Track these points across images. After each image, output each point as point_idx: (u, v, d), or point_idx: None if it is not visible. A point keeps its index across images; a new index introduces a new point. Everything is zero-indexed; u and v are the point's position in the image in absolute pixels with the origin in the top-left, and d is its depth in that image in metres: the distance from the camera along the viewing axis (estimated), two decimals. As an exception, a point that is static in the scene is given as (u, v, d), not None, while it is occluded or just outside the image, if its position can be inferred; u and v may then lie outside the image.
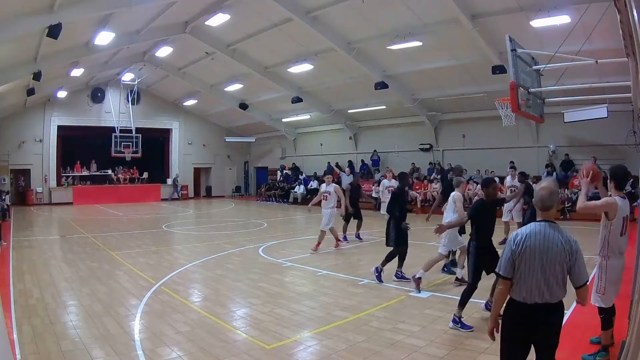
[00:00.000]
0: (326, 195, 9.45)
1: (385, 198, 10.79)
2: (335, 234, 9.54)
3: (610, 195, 3.87)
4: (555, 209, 2.59)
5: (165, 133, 26.96)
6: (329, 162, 23.18)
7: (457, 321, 4.67)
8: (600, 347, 3.81)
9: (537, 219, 2.58)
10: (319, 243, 9.25)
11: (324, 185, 9.74)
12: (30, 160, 22.40)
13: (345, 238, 10.45)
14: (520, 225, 8.33)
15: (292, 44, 15.68)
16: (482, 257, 4.75)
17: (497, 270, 2.60)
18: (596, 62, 7.59)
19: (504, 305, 2.67)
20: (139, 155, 23.90)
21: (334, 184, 9.64)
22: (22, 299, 5.82)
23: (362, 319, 5.04)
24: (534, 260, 2.46)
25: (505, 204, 8.45)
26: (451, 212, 6.47)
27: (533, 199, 2.60)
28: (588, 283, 2.59)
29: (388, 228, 6.78)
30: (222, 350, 4.20)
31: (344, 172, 19.99)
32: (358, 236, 10.70)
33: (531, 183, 9.25)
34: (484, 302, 5.24)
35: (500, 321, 2.70)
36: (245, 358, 4.03)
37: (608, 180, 4.04)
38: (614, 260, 3.77)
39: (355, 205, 10.39)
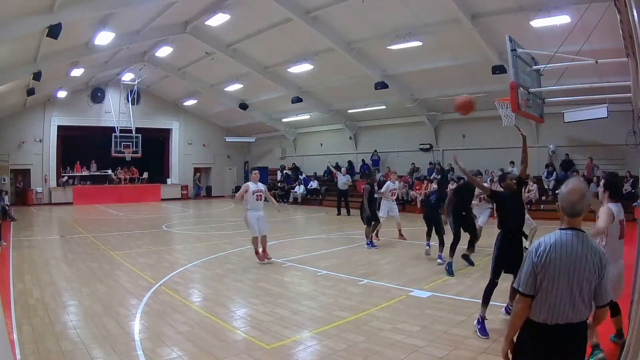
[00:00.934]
0: (260, 195, 8.33)
1: (387, 200, 10.33)
2: (259, 245, 8.23)
3: (602, 204, 3.86)
4: (584, 214, 2.27)
5: (165, 133, 26.96)
6: (329, 162, 23.21)
7: (480, 322, 4.45)
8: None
9: (562, 226, 2.24)
10: (263, 250, 8.28)
11: (251, 184, 8.32)
12: (30, 160, 22.40)
13: (370, 243, 9.70)
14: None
15: (292, 44, 15.68)
16: (505, 249, 4.60)
17: (515, 286, 2.26)
18: (596, 62, 7.59)
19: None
20: (139, 155, 23.89)
21: (261, 183, 8.54)
22: (22, 299, 5.81)
23: (362, 319, 5.03)
24: (559, 275, 2.14)
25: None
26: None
27: (560, 203, 2.25)
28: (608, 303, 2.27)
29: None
30: (222, 350, 4.19)
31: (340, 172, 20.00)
32: (371, 242, 9.70)
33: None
34: (505, 305, 4.95)
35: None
36: (245, 358, 4.03)
37: (602, 189, 4.02)
38: (610, 265, 3.74)
39: (372, 207, 9.63)
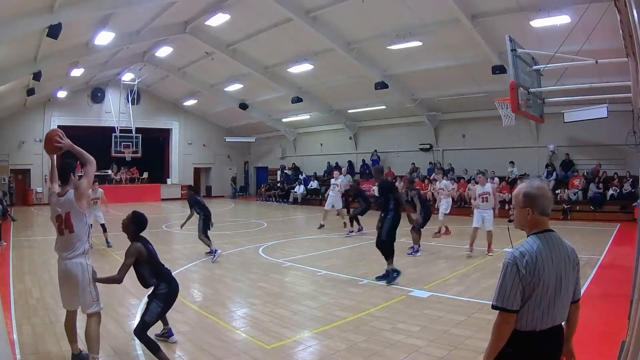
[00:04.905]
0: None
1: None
2: None
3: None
4: None
5: (165, 133, 26.98)
6: (328, 163, 23.23)
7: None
8: None
9: (536, 230, 2.12)
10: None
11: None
12: (30, 160, 22.39)
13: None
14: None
15: (292, 44, 15.68)
16: None
17: (498, 304, 2.05)
18: (596, 62, 7.60)
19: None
20: (139, 155, 23.90)
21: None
22: (22, 299, 5.82)
23: (362, 319, 5.03)
24: (548, 281, 2.04)
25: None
26: None
27: (537, 204, 2.10)
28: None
29: None
30: (222, 350, 4.19)
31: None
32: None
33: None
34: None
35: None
36: (245, 358, 4.03)
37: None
38: None
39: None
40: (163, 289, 4.01)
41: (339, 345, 4.26)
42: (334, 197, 12.74)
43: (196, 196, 9.18)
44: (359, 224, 11.56)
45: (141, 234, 4.13)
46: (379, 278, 6.67)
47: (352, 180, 19.26)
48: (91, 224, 8.89)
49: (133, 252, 3.95)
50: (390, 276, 6.55)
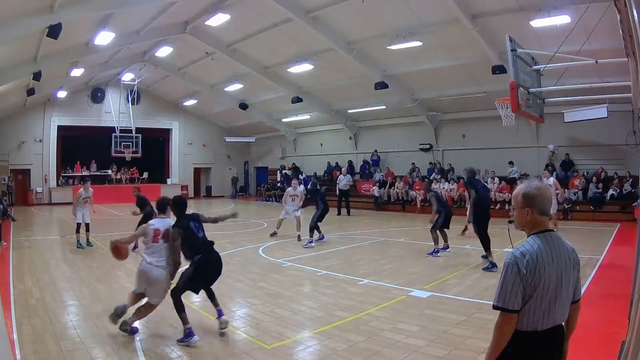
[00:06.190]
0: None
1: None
2: None
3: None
4: None
5: (165, 133, 27.00)
6: (328, 163, 23.23)
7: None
8: None
9: (536, 230, 2.13)
10: None
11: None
12: (30, 160, 22.43)
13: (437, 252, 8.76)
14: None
15: (292, 44, 15.68)
16: None
17: (498, 304, 2.05)
18: (596, 62, 7.60)
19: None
20: (139, 155, 23.91)
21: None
22: (22, 299, 5.81)
23: (362, 319, 5.03)
24: (548, 282, 2.04)
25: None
26: None
27: (537, 204, 2.11)
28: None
29: None
30: (222, 350, 4.20)
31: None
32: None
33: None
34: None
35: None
36: (245, 358, 4.03)
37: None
38: None
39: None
40: (198, 258, 4.64)
41: (339, 345, 4.26)
42: (292, 207, 11.29)
43: (145, 198, 9.76)
44: (319, 232, 10.43)
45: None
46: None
47: (352, 180, 19.30)
48: (83, 223, 9.59)
49: (171, 235, 4.68)
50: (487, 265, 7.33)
